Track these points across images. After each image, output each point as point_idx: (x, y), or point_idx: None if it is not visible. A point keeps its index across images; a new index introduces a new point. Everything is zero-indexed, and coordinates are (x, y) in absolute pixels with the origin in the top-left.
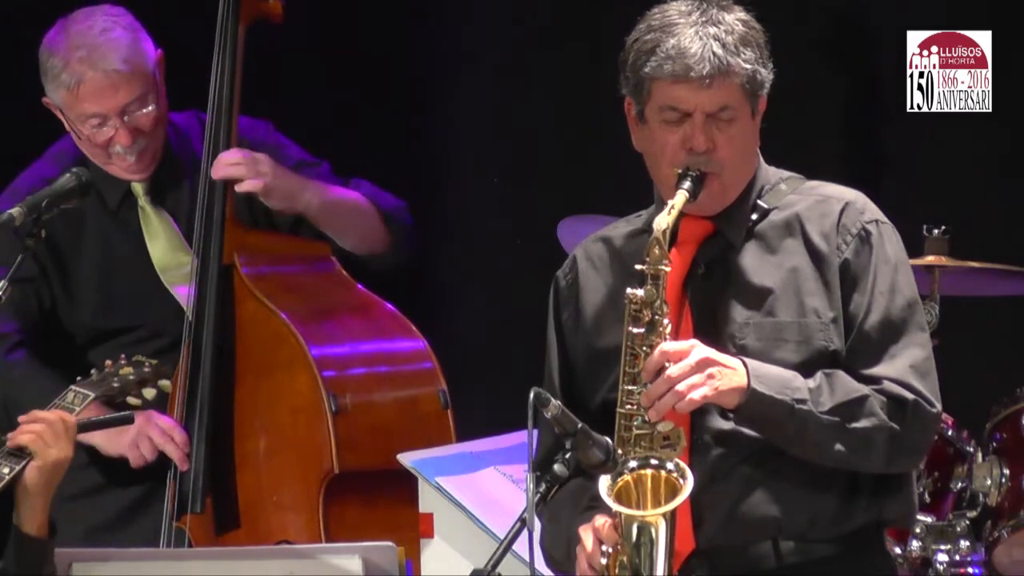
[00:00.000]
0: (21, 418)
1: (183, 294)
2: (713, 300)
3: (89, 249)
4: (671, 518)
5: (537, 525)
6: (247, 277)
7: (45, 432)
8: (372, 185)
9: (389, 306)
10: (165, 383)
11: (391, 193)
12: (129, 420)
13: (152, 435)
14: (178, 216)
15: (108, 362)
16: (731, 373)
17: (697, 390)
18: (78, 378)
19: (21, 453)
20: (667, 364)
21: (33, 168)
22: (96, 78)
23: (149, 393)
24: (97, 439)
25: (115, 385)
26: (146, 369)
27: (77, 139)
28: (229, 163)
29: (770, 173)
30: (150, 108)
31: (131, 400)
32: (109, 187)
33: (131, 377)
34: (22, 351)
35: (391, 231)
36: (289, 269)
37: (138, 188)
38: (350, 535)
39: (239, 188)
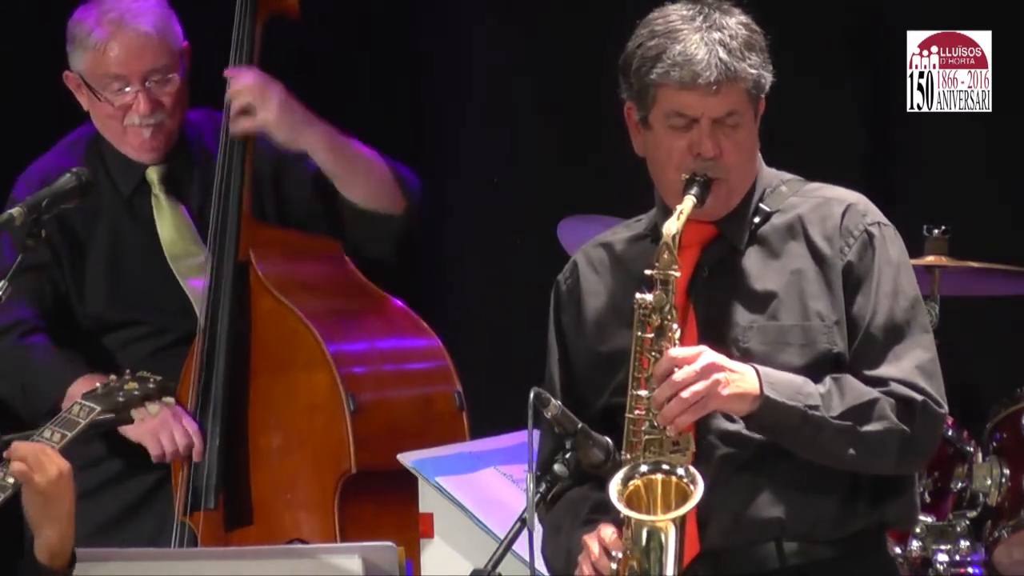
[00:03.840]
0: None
1: (198, 287)
2: (717, 304)
3: (101, 236)
4: (681, 524)
5: (537, 527)
6: (263, 274)
7: (27, 463)
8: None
9: (399, 303)
10: (169, 400)
11: None
12: (127, 420)
13: (175, 432)
14: (191, 207)
15: (112, 377)
16: (739, 379)
17: (703, 400)
18: (83, 392)
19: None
20: (675, 370)
21: (47, 156)
22: (124, 39)
23: (153, 409)
24: (128, 429)
25: (120, 400)
26: (151, 385)
27: (94, 105)
28: (241, 88)
29: (771, 175)
30: (172, 83)
31: (135, 415)
32: (124, 173)
33: (136, 393)
34: (40, 335)
35: (405, 193)
36: (303, 266)
37: (153, 176)
38: (363, 535)
39: (238, 128)
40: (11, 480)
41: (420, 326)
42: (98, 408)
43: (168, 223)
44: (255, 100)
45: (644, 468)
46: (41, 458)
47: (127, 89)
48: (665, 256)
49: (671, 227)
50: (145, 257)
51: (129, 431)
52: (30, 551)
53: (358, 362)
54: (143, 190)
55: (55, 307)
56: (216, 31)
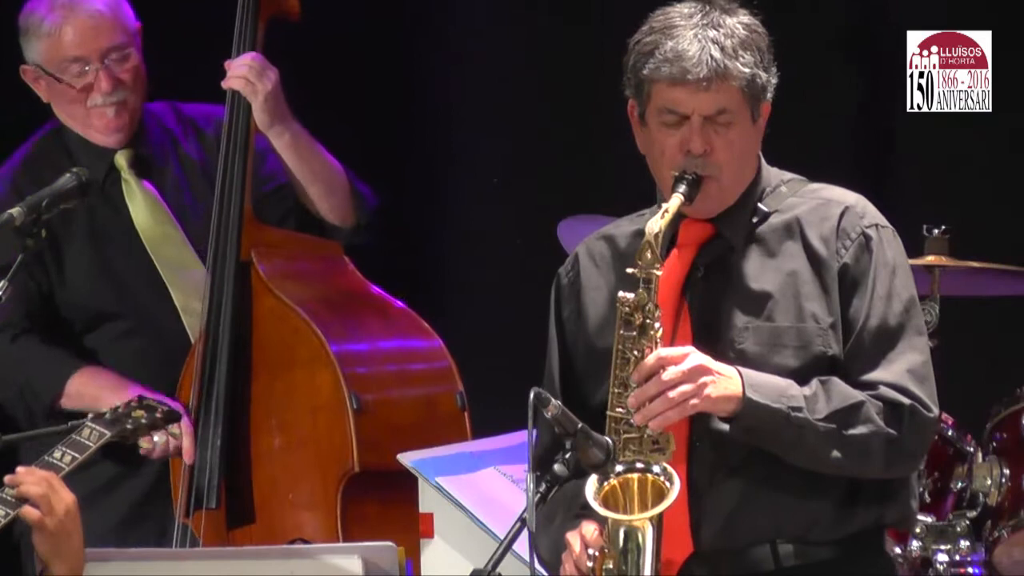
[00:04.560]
0: (8, 479)
1: (188, 276)
2: (712, 303)
3: (79, 227)
4: (658, 522)
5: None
6: (265, 274)
7: (38, 505)
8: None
9: (401, 304)
10: (175, 431)
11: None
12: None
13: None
14: (162, 190)
15: (121, 403)
16: (725, 381)
17: (689, 400)
18: (90, 415)
19: (16, 501)
20: (662, 369)
21: (14, 159)
22: (78, 20)
23: (160, 439)
24: None
25: (128, 427)
26: (158, 415)
27: (55, 94)
28: (242, 63)
29: (771, 175)
30: (131, 59)
31: (142, 443)
32: (92, 162)
33: (143, 421)
34: (30, 336)
35: (355, 208)
36: (304, 266)
37: (121, 161)
38: (365, 534)
39: (229, 84)
40: (11, 498)
41: (422, 327)
42: (108, 434)
43: (141, 207)
44: (252, 75)
45: (619, 468)
46: (51, 500)
47: (87, 69)
48: (647, 254)
49: (654, 225)
50: (123, 242)
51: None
52: None
53: (361, 362)
54: (113, 176)
55: (41, 307)
56: (220, 28)
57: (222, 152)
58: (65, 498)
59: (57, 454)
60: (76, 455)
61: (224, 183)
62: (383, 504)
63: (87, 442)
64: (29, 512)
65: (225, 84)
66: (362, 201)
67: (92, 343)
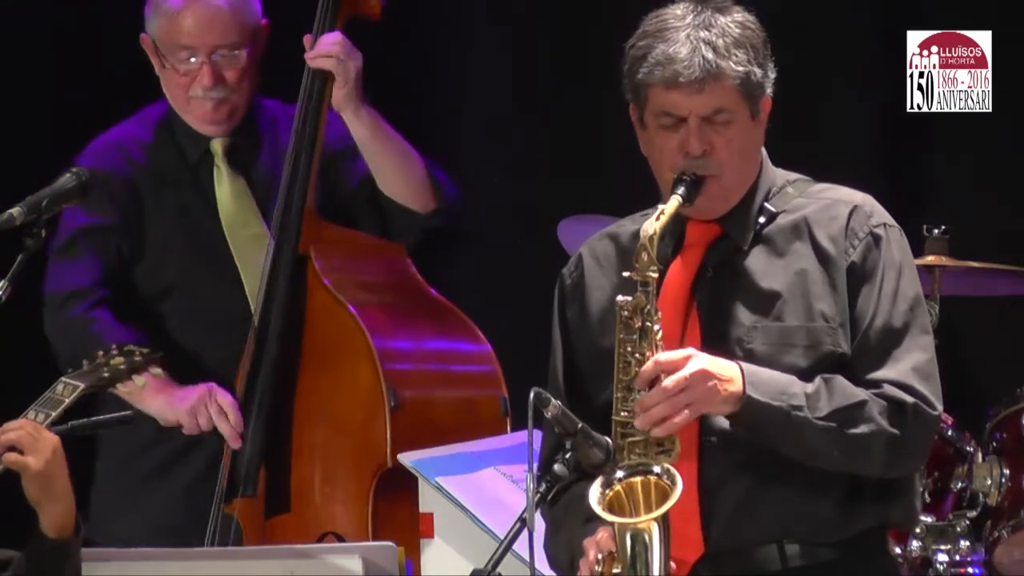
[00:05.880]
0: None
1: (256, 263)
2: (721, 304)
3: (166, 203)
4: (664, 523)
5: (538, 525)
6: (320, 269)
7: (22, 446)
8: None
9: (459, 312)
10: (157, 371)
11: None
12: (128, 420)
13: (210, 409)
14: (252, 184)
15: (99, 352)
16: (726, 383)
17: (691, 407)
18: (69, 370)
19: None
20: (662, 375)
21: (120, 128)
22: (198, 11)
23: (140, 381)
24: (153, 408)
25: (105, 375)
26: (137, 358)
27: (163, 71)
28: (326, 53)
29: (776, 175)
30: (239, 59)
31: (122, 388)
32: (190, 142)
33: (122, 367)
34: (103, 308)
35: (436, 193)
36: (363, 266)
37: (217, 148)
38: (395, 533)
39: (317, 64)
40: None
41: (472, 331)
42: (82, 385)
43: (227, 193)
44: (342, 53)
45: (621, 473)
46: (36, 440)
47: (193, 60)
48: (644, 257)
49: (648, 228)
50: (205, 225)
51: (166, 416)
52: (34, 529)
53: (403, 359)
54: (207, 160)
55: (119, 271)
56: (298, 24)
57: (291, 146)
58: (49, 439)
59: (31, 414)
60: (49, 412)
61: (291, 178)
62: (412, 503)
63: (60, 398)
64: (12, 458)
65: (313, 63)
66: (440, 186)
67: (154, 321)
